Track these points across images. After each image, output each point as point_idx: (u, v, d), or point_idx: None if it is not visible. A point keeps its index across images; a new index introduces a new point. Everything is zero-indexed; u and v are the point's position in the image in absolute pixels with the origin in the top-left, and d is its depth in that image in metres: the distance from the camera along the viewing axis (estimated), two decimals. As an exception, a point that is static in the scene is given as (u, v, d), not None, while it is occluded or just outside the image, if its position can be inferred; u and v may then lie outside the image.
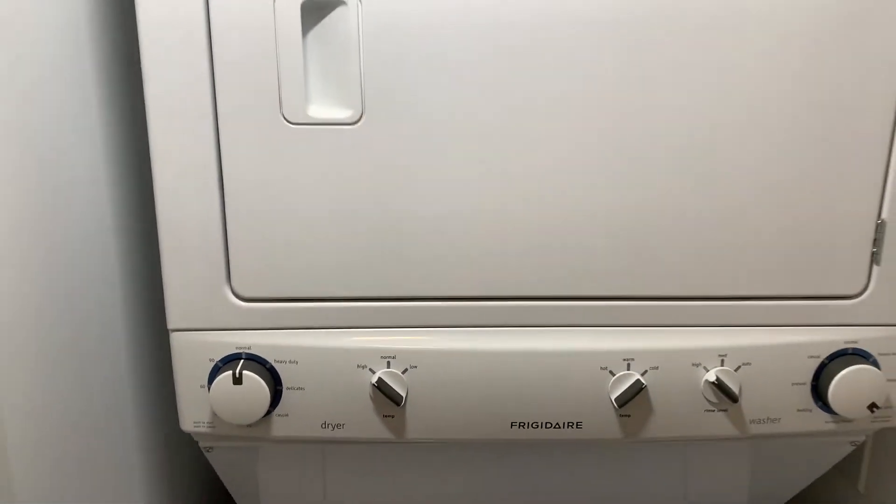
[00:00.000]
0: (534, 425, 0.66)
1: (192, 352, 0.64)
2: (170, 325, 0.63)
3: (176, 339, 0.64)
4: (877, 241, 0.63)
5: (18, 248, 0.55)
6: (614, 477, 0.82)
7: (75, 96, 0.62)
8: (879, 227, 0.63)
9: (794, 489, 0.88)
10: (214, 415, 0.65)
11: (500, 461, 0.79)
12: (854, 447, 0.76)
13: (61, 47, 0.60)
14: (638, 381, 0.64)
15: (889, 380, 0.66)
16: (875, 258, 0.63)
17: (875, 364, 0.65)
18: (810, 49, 0.58)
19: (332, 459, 0.77)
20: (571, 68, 0.58)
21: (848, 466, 0.95)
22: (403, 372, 0.64)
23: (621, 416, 0.65)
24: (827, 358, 0.65)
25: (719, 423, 0.66)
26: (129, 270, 0.72)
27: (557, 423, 0.66)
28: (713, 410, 0.66)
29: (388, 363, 0.64)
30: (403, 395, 0.63)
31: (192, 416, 0.66)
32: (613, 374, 0.64)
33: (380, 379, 0.63)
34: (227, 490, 0.82)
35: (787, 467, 0.81)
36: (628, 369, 0.64)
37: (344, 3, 0.56)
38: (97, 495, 0.67)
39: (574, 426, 0.66)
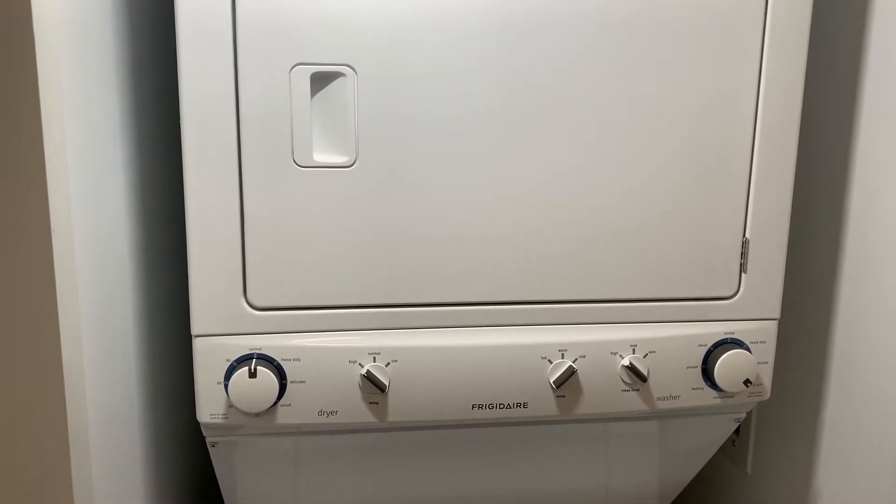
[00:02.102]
0: (489, 406, 0.82)
1: (211, 353, 0.77)
2: (193, 332, 0.76)
3: (198, 343, 0.77)
4: (743, 255, 0.83)
5: (84, 271, 0.69)
6: (547, 468, 0.99)
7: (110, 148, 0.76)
8: (745, 244, 0.82)
9: (692, 469, 1.06)
10: (227, 407, 0.78)
11: (453, 459, 0.95)
12: (737, 423, 0.94)
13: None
14: (570, 366, 0.80)
15: (759, 362, 0.85)
16: (743, 268, 0.83)
17: (747, 349, 0.83)
18: (687, 116, 0.79)
19: (319, 459, 0.90)
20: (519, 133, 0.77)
21: (736, 454, 1.14)
22: (386, 365, 0.79)
23: (558, 396, 0.82)
24: (712, 346, 0.83)
25: (633, 401, 0.84)
26: (144, 289, 0.85)
27: (508, 404, 0.82)
28: (628, 390, 0.83)
29: (374, 358, 0.79)
30: (387, 383, 0.78)
31: (209, 409, 0.78)
32: (551, 362, 0.81)
33: (368, 371, 0.77)
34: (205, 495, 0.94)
35: (686, 447, 0.99)
36: (562, 358, 0.81)
37: (344, 74, 0.73)
38: (111, 476, 0.79)
39: (522, 406, 0.82)
